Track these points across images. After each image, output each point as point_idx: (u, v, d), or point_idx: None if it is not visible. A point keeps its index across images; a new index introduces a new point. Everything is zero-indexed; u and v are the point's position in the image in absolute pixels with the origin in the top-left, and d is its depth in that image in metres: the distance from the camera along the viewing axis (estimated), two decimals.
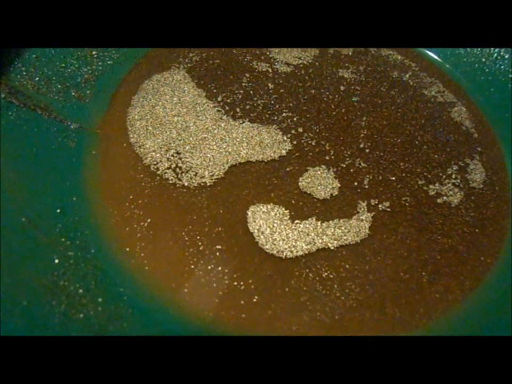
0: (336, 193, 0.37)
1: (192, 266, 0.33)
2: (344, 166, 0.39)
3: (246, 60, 0.48)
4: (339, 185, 0.38)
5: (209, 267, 0.33)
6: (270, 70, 0.47)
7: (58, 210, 0.33)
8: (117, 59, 0.46)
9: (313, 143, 0.41)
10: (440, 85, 0.47)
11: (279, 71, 0.47)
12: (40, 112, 0.38)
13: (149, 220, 0.35)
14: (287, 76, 0.47)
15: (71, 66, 0.43)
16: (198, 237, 0.34)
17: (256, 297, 0.31)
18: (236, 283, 0.32)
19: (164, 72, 0.46)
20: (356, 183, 0.38)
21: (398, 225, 0.36)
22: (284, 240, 0.34)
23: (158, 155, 0.39)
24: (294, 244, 0.34)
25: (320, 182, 0.38)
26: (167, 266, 0.32)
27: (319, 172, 0.39)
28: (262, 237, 0.34)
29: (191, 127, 0.41)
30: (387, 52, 0.51)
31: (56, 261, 0.30)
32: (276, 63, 0.48)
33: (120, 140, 0.40)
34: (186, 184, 0.37)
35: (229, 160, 0.39)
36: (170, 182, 0.37)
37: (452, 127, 0.44)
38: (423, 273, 0.34)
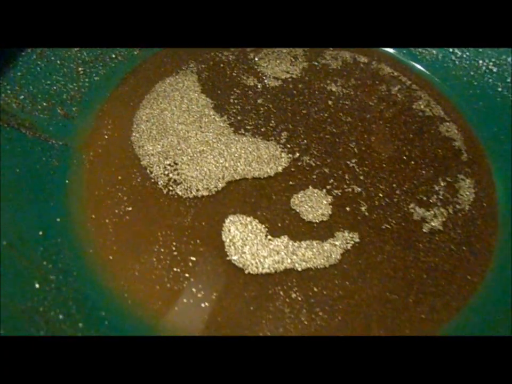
0: (326, 219, 0.37)
1: (175, 288, 0.33)
2: (333, 185, 0.39)
3: (234, 73, 0.48)
4: (331, 212, 0.38)
5: (185, 285, 0.33)
6: (259, 85, 0.47)
7: (40, 233, 0.33)
8: (104, 75, 0.46)
9: (304, 160, 0.41)
10: (428, 98, 0.47)
11: (268, 86, 0.47)
12: (24, 131, 0.38)
13: (131, 241, 0.34)
14: (276, 91, 0.46)
15: (56, 83, 0.43)
16: (175, 252, 0.34)
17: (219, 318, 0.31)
18: (204, 301, 0.32)
19: (177, 76, 0.47)
20: (347, 207, 0.38)
21: (385, 244, 0.36)
22: (253, 254, 0.34)
23: (155, 159, 0.39)
24: (261, 260, 0.34)
25: (313, 205, 0.38)
26: (150, 288, 0.32)
27: (315, 194, 0.39)
28: (232, 247, 0.34)
29: (192, 138, 0.41)
30: (376, 65, 0.51)
31: (37, 285, 0.30)
32: (265, 77, 0.48)
33: (105, 156, 0.40)
34: (176, 195, 0.37)
35: (225, 175, 0.39)
36: (162, 191, 0.37)
37: (440, 141, 0.44)
38: (409, 294, 0.34)
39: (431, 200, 0.39)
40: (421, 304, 0.33)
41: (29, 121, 0.39)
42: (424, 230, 0.37)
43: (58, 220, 0.35)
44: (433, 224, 0.37)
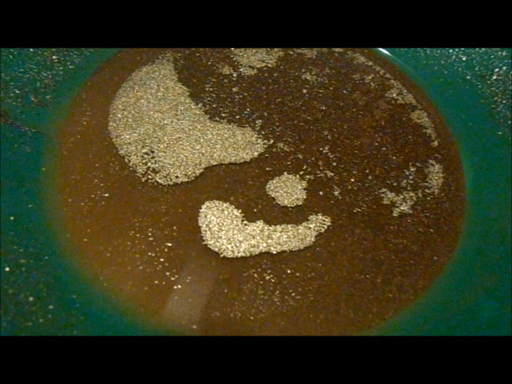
0: (300, 203, 0.38)
1: (148, 270, 0.33)
2: (307, 170, 0.40)
3: (209, 62, 0.48)
4: (305, 196, 0.38)
5: (159, 268, 0.33)
6: (234, 74, 0.47)
7: (12, 218, 0.33)
8: (79, 63, 0.46)
9: (279, 147, 0.41)
10: (401, 87, 0.48)
11: (243, 75, 0.47)
12: None
13: (106, 226, 0.35)
14: (251, 79, 0.47)
15: (30, 71, 0.42)
16: (151, 238, 0.35)
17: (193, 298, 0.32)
18: (176, 284, 0.32)
19: (153, 65, 0.47)
20: (320, 192, 0.39)
21: (355, 227, 0.37)
22: (229, 239, 0.35)
23: (133, 148, 0.40)
24: (237, 244, 0.34)
25: (287, 190, 0.38)
26: (122, 271, 0.33)
27: (290, 180, 0.39)
28: (208, 232, 0.35)
29: (168, 126, 0.42)
30: (351, 54, 0.51)
31: (7, 269, 0.30)
32: (240, 67, 0.48)
33: (81, 144, 0.40)
34: (156, 182, 0.38)
35: (202, 162, 0.39)
36: (140, 179, 0.38)
37: (411, 128, 0.45)
38: (378, 274, 0.35)
39: (401, 185, 0.40)
40: (389, 284, 0.34)
41: (2, 109, 0.39)
42: (394, 214, 0.38)
43: (30, 206, 0.35)
44: (402, 208, 0.38)
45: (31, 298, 0.29)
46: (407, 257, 0.36)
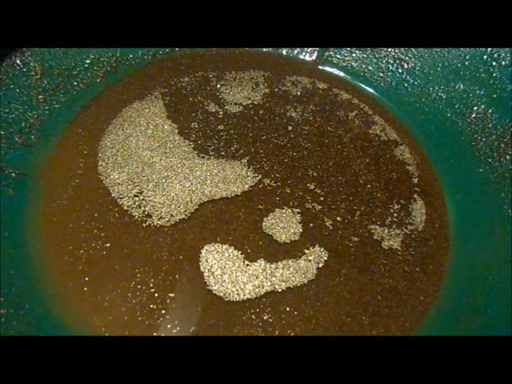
0: (297, 238, 0.38)
1: (140, 318, 0.32)
2: (295, 205, 0.40)
3: (196, 100, 0.49)
4: (301, 230, 0.39)
5: (155, 318, 0.32)
6: (220, 111, 0.48)
7: None
8: (65, 102, 0.46)
9: (265, 183, 0.42)
10: (384, 123, 0.49)
11: (229, 112, 0.48)
12: None
13: (92, 271, 0.34)
14: (237, 117, 0.47)
15: (15, 111, 0.42)
16: (151, 285, 0.34)
17: None
18: (177, 334, 0.32)
19: (143, 102, 0.48)
20: (309, 223, 0.39)
21: (342, 267, 0.37)
22: (233, 282, 0.34)
23: (123, 188, 0.40)
24: (242, 286, 0.34)
25: (284, 225, 0.39)
26: (109, 321, 0.32)
27: (284, 214, 0.39)
28: (211, 278, 0.34)
29: (157, 164, 0.42)
30: (336, 91, 0.53)
31: None
32: (226, 104, 0.49)
33: (67, 185, 0.40)
34: (142, 222, 0.38)
35: (193, 199, 0.39)
36: (136, 223, 0.38)
37: (395, 165, 0.45)
38: (364, 316, 0.34)
39: (386, 222, 0.40)
40: (376, 326, 0.34)
41: None
42: (380, 252, 0.38)
43: (13, 251, 0.34)
44: (388, 244, 0.39)
45: None
46: (393, 297, 0.36)
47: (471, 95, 0.46)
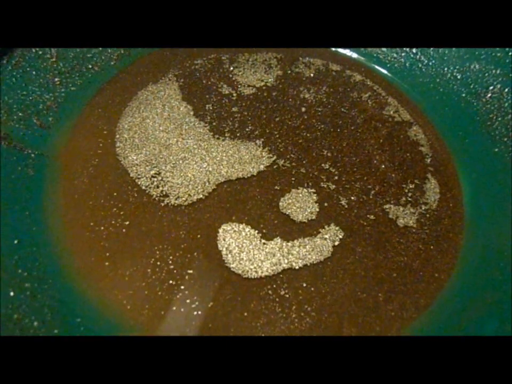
0: (313, 217, 0.38)
1: (159, 293, 0.33)
2: (310, 185, 0.41)
3: (210, 82, 0.49)
4: (317, 209, 0.39)
5: (175, 293, 0.33)
6: (234, 94, 0.48)
7: (15, 241, 0.33)
8: (81, 85, 0.46)
9: (280, 164, 0.42)
10: (397, 104, 0.49)
11: (242, 94, 0.48)
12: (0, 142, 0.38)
13: (112, 247, 0.35)
14: (250, 99, 0.48)
15: (32, 94, 0.43)
16: (170, 262, 0.35)
17: (209, 325, 0.32)
18: (195, 308, 0.32)
19: (158, 84, 0.48)
20: (325, 203, 0.39)
21: (356, 245, 0.37)
22: (250, 260, 0.35)
23: (142, 169, 0.40)
24: (260, 264, 0.35)
25: (300, 205, 0.39)
26: (139, 297, 0.33)
27: (300, 194, 0.40)
28: (229, 256, 0.35)
29: (173, 145, 0.42)
30: (349, 73, 0.52)
31: (12, 293, 0.30)
32: (239, 86, 0.49)
33: (85, 165, 0.40)
34: (159, 201, 0.38)
35: (210, 179, 0.40)
36: (154, 202, 0.38)
37: (409, 146, 0.45)
38: (380, 292, 0.35)
39: (400, 202, 0.41)
40: (391, 302, 0.34)
41: (4, 132, 0.39)
42: (394, 230, 0.38)
43: (34, 228, 0.35)
44: (403, 221, 0.39)
45: (36, 323, 0.29)
46: (408, 275, 0.36)
47: (486, 74, 0.46)
